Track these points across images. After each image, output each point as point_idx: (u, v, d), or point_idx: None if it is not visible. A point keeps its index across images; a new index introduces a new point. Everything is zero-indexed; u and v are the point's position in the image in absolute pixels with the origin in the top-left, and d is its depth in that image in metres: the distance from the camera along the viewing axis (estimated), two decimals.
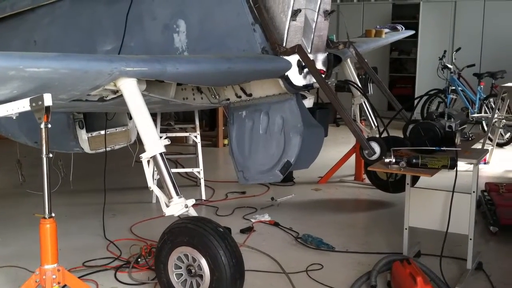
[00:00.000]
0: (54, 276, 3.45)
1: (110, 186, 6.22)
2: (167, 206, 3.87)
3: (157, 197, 6.28)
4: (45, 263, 3.45)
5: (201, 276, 3.71)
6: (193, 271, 3.74)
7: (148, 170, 3.94)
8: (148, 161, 3.93)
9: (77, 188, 6.76)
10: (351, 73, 6.60)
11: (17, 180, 6.54)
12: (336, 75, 10.65)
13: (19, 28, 5.73)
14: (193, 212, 3.94)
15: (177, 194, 3.87)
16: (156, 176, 6.37)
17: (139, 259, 4.63)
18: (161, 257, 3.88)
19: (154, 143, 3.87)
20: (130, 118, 5.91)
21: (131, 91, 3.77)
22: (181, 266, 3.82)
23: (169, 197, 3.88)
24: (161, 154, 3.86)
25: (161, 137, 3.95)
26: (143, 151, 3.89)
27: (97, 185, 6.37)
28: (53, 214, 3.45)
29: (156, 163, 3.88)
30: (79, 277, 4.04)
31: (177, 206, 3.85)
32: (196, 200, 6.35)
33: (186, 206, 3.87)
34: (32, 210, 3.80)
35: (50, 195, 3.42)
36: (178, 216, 3.88)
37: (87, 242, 5.24)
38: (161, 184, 3.93)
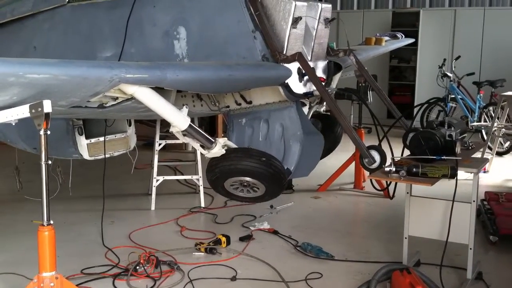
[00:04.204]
0: (52, 284, 3.43)
1: (109, 192, 6.21)
2: (206, 151, 4.45)
3: (155, 204, 6.36)
4: (43, 270, 3.42)
5: (256, 187, 4.64)
6: (248, 185, 4.65)
7: (181, 136, 4.38)
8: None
9: (76, 195, 6.74)
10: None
11: (15, 186, 6.52)
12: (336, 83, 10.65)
13: (19, 33, 5.72)
14: (231, 144, 4.64)
15: (210, 142, 4.39)
16: (156, 183, 6.41)
17: (137, 267, 4.60)
18: (215, 184, 4.75)
19: (181, 121, 4.17)
20: (130, 124, 5.90)
21: (149, 96, 3.87)
22: (236, 183, 4.66)
23: (207, 147, 4.41)
24: (189, 125, 4.21)
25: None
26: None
27: (95, 192, 6.35)
28: (51, 221, 3.43)
29: (189, 133, 4.30)
30: (77, 285, 4.03)
31: (218, 151, 4.44)
32: (195, 207, 6.42)
33: (224, 146, 4.46)
34: (30, 217, 3.79)
35: (49, 202, 3.40)
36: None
37: (86, 249, 5.22)
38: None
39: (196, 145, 4.46)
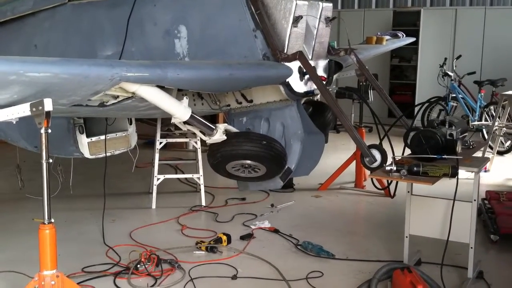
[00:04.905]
0: (53, 282, 3.42)
1: (109, 191, 6.21)
2: (207, 137, 4.54)
3: (156, 202, 6.35)
4: (44, 268, 3.42)
5: (258, 168, 4.73)
6: (249, 167, 4.74)
7: (182, 125, 4.42)
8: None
9: (77, 193, 6.74)
10: None
11: (16, 184, 6.52)
12: (337, 82, 10.65)
13: (19, 32, 5.73)
14: (232, 129, 4.73)
15: (211, 129, 4.46)
16: (156, 182, 6.41)
17: (138, 265, 4.60)
18: (216, 167, 4.86)
19: (183, 112, 4.18)
20: (131, 123, 5.90)
21: (151, 92, 3.86)
22: (238, 165, 4.74)
23: (208, 134, 4.49)
24: (191, 116, 4.23)
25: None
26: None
27: (96, 190, 6.35)
28: (52, 220, 3.43)
29: (191, 123, 4.32)
30: (78, 283, 4.02)
31: (219, 138, 4.52)
32: (195, 206, 6.43)
33: (224, 131, 4.55)
34: (31, 215, 3.79)
35: (50, 201, 3.40)
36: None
37: (86, 247, 5.22)
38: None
39: (197, 132, 4.53)
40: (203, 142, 6.64)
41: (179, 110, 4.16)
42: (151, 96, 3.89)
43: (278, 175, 4.91)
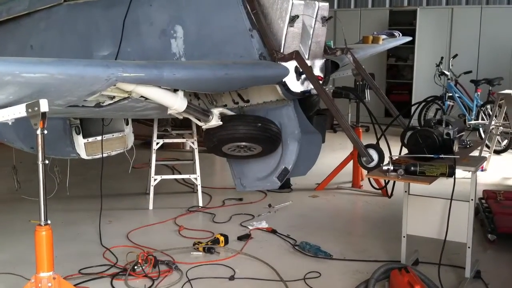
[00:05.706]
0: (50, 284, 3.41)
1: (106, 192, 6.19)
2: (203, 123, 4.63)
3: (153, 203, 6.33)
4: (40, 270, 3.40)
5: (253, 148, 4.86)
6: (245, 147, 4.86)
7: (179, 115, 4.48)
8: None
9: (74, 194, 6.71)
10: None
11: (13, 185, 6.50)
12: (334, 82, 10.65)
13: (15, 32, 5.72)
14: (227, 112, 4.81)
15: (207, 115, 4.55)
16: (153, 183, 6.40)
17: (135, 267, 4.59)
18: (213, 150, 5.02)
19: (179, 103, 4.19)
20: (127, 124, 5.89)
21: (148, 89, 3.86)
22: (234, 146, 4.87)
23: (204, 120, 4.57)
24: (187, 106, 4.26)
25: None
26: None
27: (93, 191, 6.34)
28: (48, 221, 3.41)
29: (187, 113, 4.38)
30: (75, 285, 4.01)
31: (215, 122, 4.62)
32: (193, 206, 6.41)
33: (219, 116, 4.64)
34: (28, 216, 3.76)
35: (46, 202, 3.38)
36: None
37: (83, 249, 5.20)
38: None
39: (193, 119, 4.58)
40: (201, 144, 6.63)
41: (176, 102, 4.16)
42: (148, 92, 3.88)
43: (273, 152, 5.00)
